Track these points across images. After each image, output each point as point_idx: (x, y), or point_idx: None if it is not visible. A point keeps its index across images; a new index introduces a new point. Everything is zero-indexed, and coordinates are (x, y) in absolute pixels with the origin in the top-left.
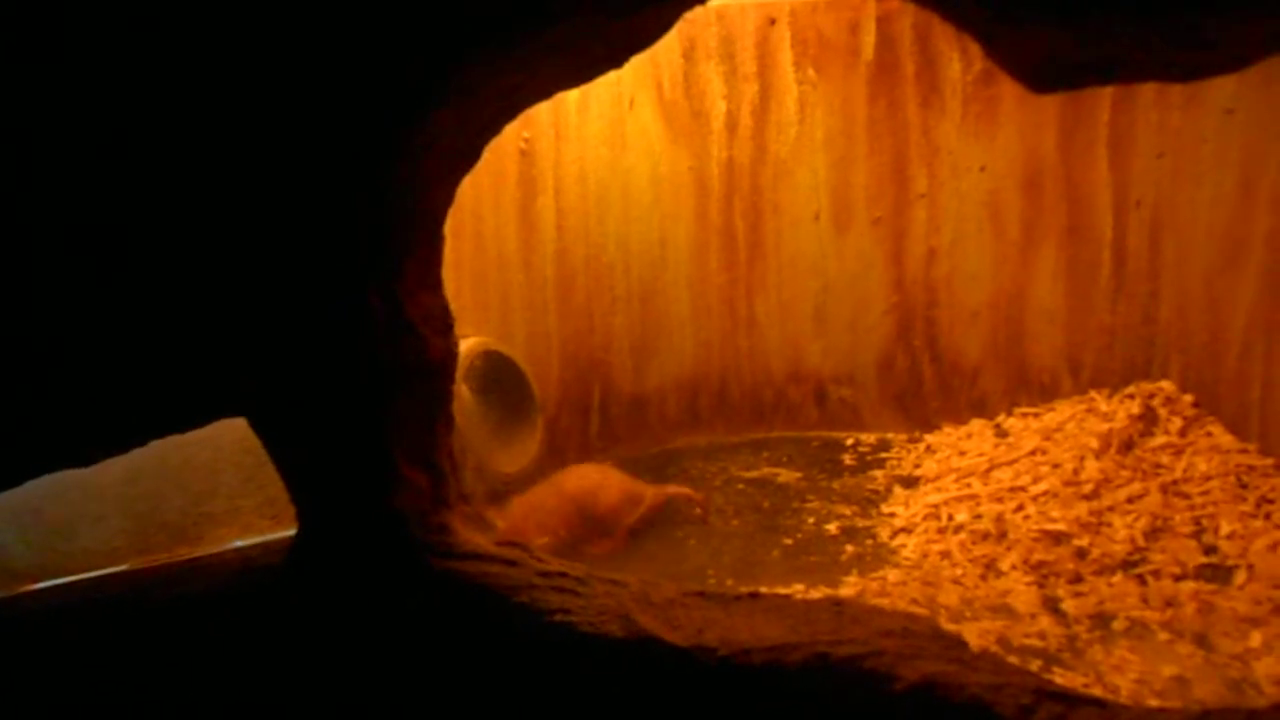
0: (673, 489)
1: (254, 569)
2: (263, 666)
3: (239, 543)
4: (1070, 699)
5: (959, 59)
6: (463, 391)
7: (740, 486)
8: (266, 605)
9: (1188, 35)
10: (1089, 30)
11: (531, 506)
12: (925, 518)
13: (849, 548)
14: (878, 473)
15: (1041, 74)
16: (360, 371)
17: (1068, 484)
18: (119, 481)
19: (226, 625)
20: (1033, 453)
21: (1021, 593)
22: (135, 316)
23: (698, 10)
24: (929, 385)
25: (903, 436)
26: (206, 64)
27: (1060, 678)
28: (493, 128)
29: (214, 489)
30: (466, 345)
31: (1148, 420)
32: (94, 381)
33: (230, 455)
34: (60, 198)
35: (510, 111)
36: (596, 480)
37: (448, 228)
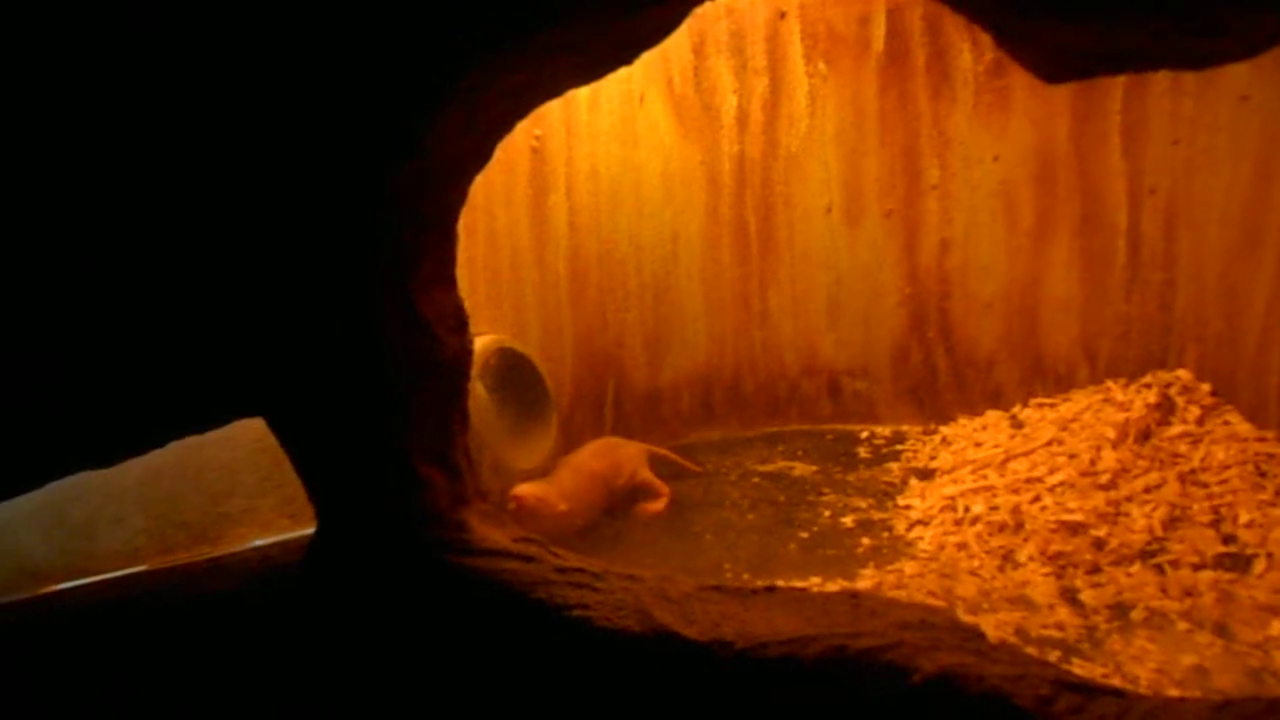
0: (655, 447)
1: (273, 568)
2: (283, 664)
3: (258, 542)
4: (1089, 689)
5: (969, 49)
6: (478, 389)
7: (755, 480)
8: (286, 603)
9: (1202, 23)
10: (1103, 21)
11: (566, 489)
12: (941, 510)
13: (865, 540)
14: (893, 465)
15: (1054, 65)
16: (374, 370)
17: (1085, 474)
18: (138, 482)
19: (247, 624)
20: (1049, 443)
21: (1039, 584)
22: (153, 317)
23: (707, 5)
24: (944, 377)
25: (918, 428)
26: (220, 69)
27: (1079, 668)
28: (504, 127)
29: (232, 489)
30: (481, 343)
31: (1165, 409)
32: (113, 383)
33: (248, 455)
34: (80, 203)
35: (521, 110)
36: (613, 452)
37: (460, 226)
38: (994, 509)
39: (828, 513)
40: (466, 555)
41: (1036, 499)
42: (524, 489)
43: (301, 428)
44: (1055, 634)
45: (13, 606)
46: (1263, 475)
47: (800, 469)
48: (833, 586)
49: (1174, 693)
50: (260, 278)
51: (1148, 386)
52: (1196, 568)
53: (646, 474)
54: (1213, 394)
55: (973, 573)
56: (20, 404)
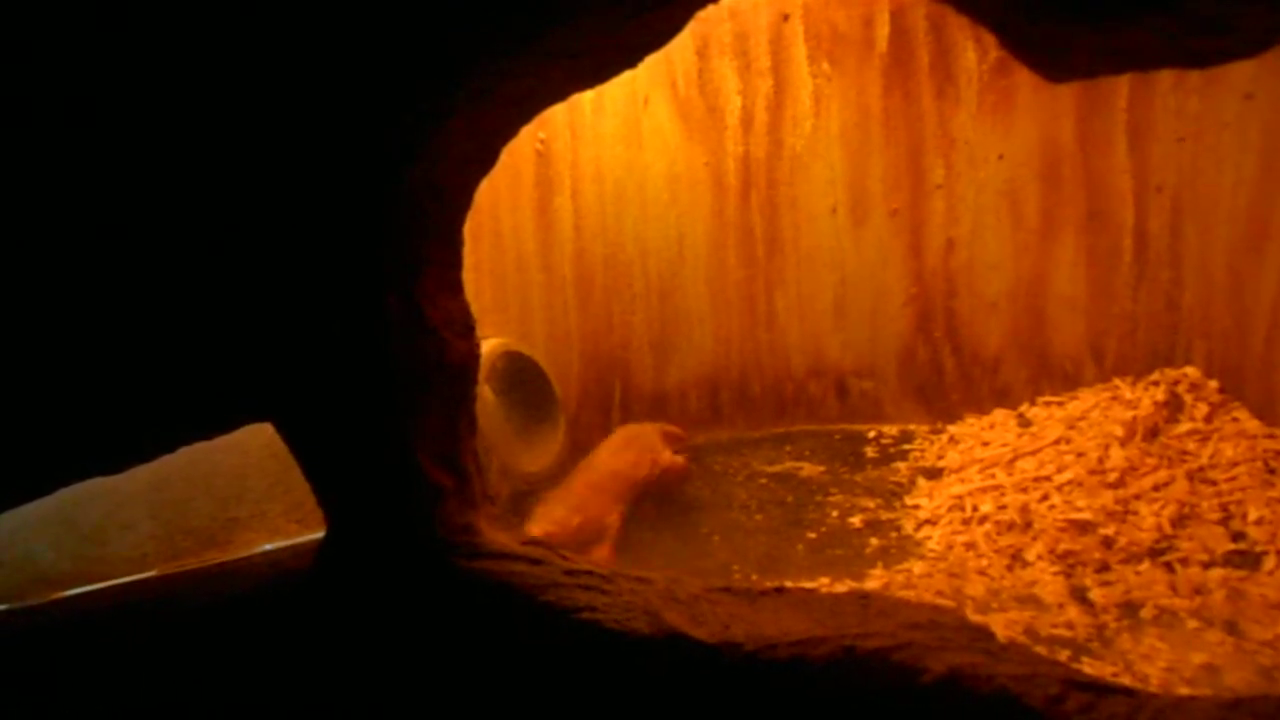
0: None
1: (282, 572)
2: (293, 669)
3: (267, 546)
4: (1099, 688)
5: (974, 49)
6: (485, 393)
7: (763, 481)
8: (296, 608)
9: (1206, 21)
10: (1107, 20)
11: (575, 499)
12: (949, 509)
13: (873, 541)
14: (901, 465)
15: (1058, 64)
16: (381, 374)
17: (1093, 473)
18: (147, 488)
19: (256, 629)
20: (1057, 442)
21: (1048, 583)
22: (161, 322)
23: (710, 8)
24: (950, 376)
25: (925, 428)
26: (225, 73)
27: (1089, 667)
28: (508, 131)
29: (241, 494)
30: (488, 347)
31: (1173, 407)
32: (121, 388)
33: (256, 460)
34: (89, 211)
35: (525, 114)
36: (632, 446)
37: (466, 230)
38: (1002, 508)
39: (835, 513)
40: (475, 558)
41: (1045, 498)
42: (535, 527)
43: (309, 432)
44: (1065, 633)
45: (23, 612)
46: (1272, 472)
47: (808, 469)
48: (841, 587)
49: (1184, 691)
50: (267, 282)
51: (1155, 384)
52: (1206, 565)
53: (667, 456)
54: (1221, 391)
55: (981, 572)
56: (29, 410)
